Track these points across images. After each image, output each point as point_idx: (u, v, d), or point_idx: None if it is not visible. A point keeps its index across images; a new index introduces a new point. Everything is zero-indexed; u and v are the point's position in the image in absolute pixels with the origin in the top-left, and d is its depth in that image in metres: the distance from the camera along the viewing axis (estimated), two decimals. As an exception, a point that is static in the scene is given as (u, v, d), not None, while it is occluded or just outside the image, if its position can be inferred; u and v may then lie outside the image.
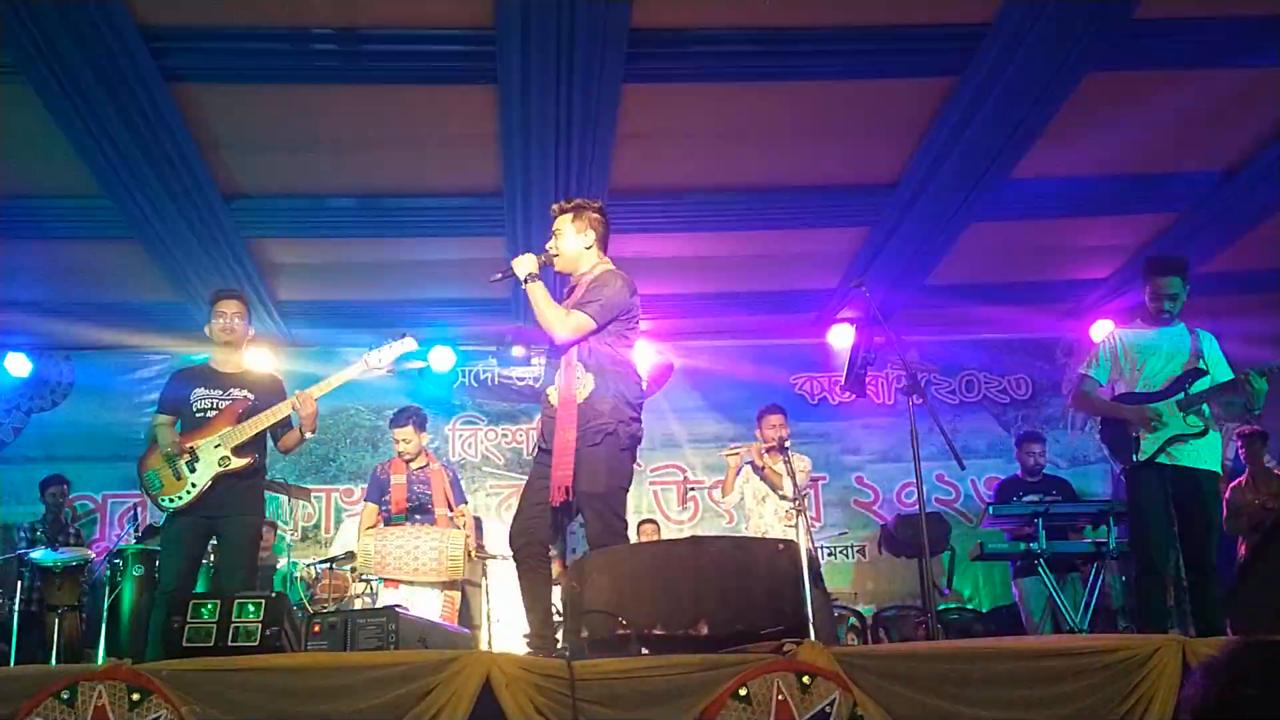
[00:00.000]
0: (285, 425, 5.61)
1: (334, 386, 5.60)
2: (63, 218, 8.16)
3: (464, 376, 10.82)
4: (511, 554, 4.84)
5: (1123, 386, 5.79)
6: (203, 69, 6.47)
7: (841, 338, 10.45)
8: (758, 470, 7.77)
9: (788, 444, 7.55)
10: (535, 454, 5.04)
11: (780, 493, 7.59)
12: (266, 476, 5.86)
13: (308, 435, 5.61)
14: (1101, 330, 5.96)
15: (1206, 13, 6.29)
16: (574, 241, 5.06)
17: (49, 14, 5.71)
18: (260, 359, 5.77)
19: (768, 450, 7.66)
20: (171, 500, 5.37)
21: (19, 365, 10.49)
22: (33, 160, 7.39)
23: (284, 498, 8.30)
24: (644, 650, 3.97)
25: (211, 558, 5.95)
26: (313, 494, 9.18)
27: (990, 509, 7.69)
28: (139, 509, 9.23)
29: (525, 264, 4.94)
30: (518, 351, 10.77)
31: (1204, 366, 5.68)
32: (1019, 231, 8.99)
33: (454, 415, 10.80)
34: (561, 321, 4.83)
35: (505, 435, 10.85)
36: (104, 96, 6.45)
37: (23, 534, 8.71)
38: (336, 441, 10.50)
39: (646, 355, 10.74)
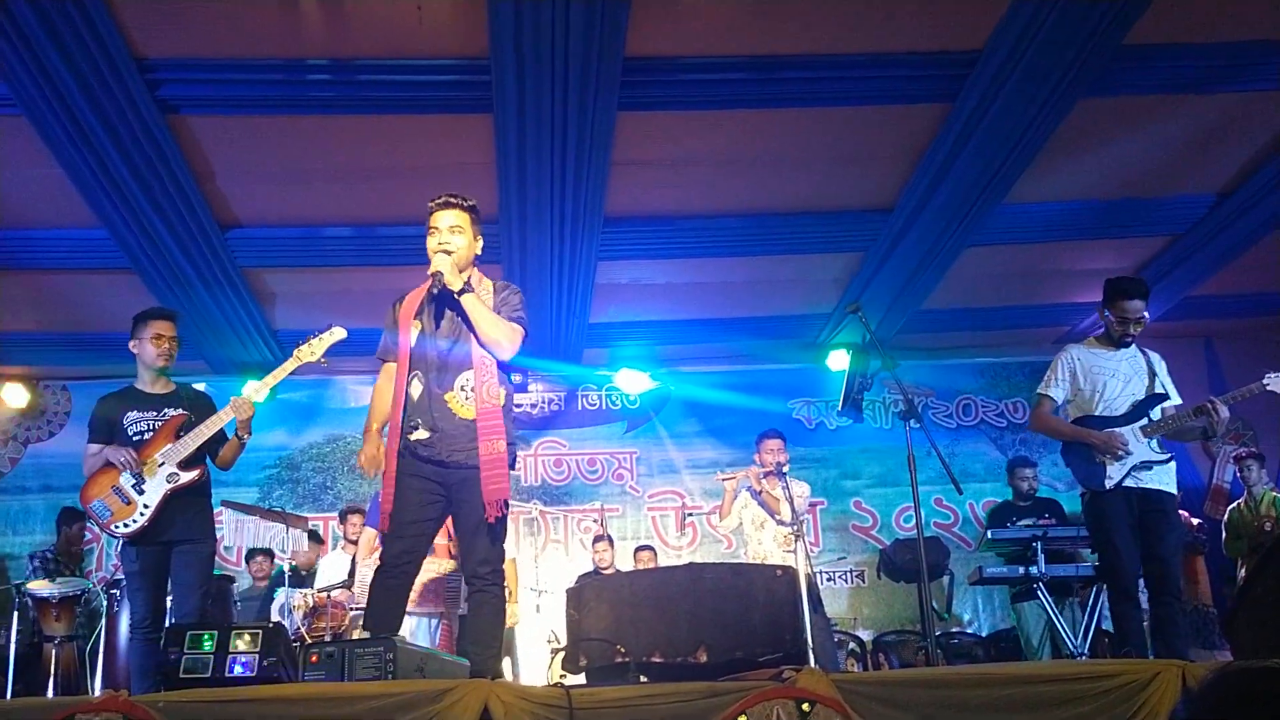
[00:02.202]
0: (221, 439, 5.46)
1: (270, 386, 5.43)
2: (60, 249, 8.19)
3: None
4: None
5: (1076, 409, 5.76)
6: (199, 100, 6.50)
7: (837, 362, 10.47)
8: (755, 495, 7.76)
9: (786, 469, 7.55)
10: (404, 463, 4.47)
11: (778, 518, 7.58)
12: (211, 497, 5.69)
13: (245, 438, 5.46)
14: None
15: (1196, 38, 6.33)
16: (471, 245, 4.64)
17: (45, 46, 5.74)
18: (248, 390, 5.67)
19: (765, 475, 7.65)
20: (126, 524, 5.20)
21: (16, 395, 10.49)
22: (30, 192, 7.42)
23: (283, 527, 8.27)
24: (643, 678, 3.97)
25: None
26: (310, 522, 9.15)
27: (989, 533, 7.68)
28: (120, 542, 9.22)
29: (448, 274, 4.49)
30: (514, 378, 10.77)
31: (1162, 389, 5.68)
32: (1014, 255, 9.02)
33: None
34: (509, 335, 4.51)
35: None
36: (100, 128, 6.48)
37: (35, 563, 8.67)
38: (334, 470, 10.50)
39: (640, 383, 10.80)
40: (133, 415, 5.41)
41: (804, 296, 9.76)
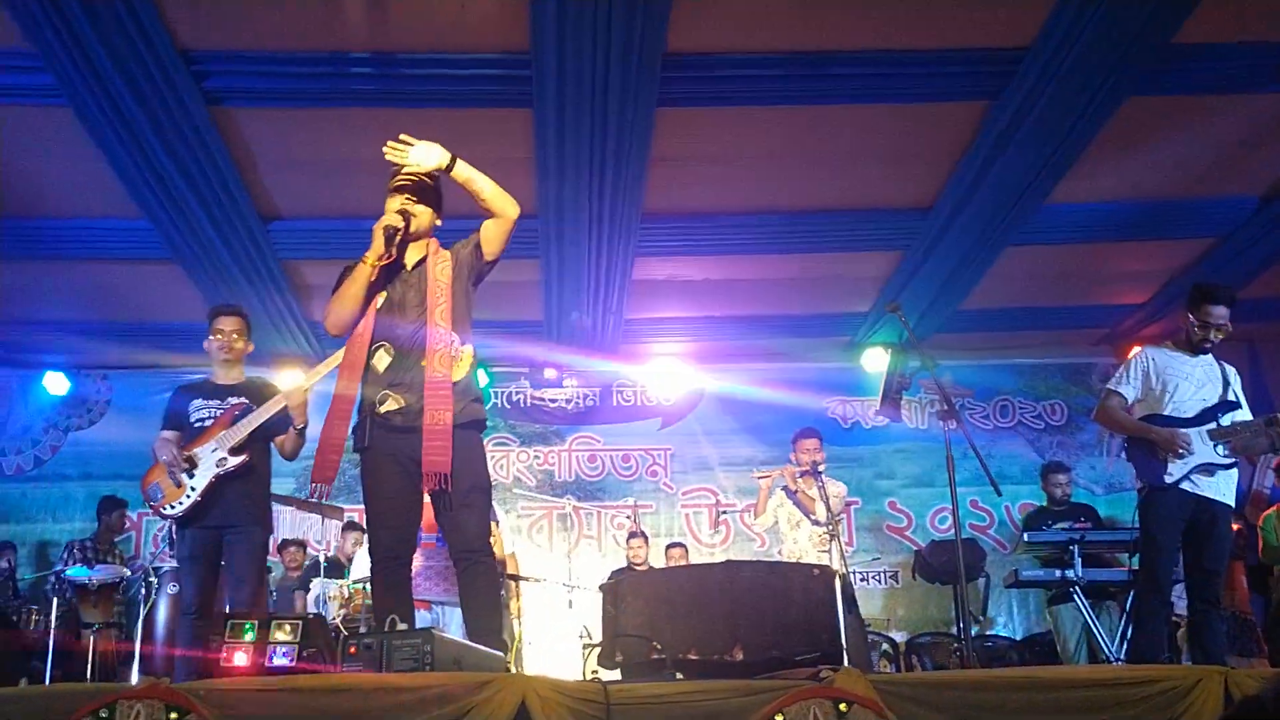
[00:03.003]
0: (282, 429, 5.58)
1: (321, 375, 5.54)
2: (103, 239, 8.27)
3: (496, 398, 10.84)
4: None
5: (1145, 408, 5.71)
6: (242, 92, 6.55)
7: (875, 362, 10.42)
8: (791, 495, 7.73)
9: (822, 468, 7.52)
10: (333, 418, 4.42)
11: (813, 517, 7.55)
12: (270, 487, 5.80)
13: (299, 426, 5.55)
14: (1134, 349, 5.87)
15: (1246, 38, 6.25)
16: (432, 215, 4.52)
17: (90, 38, 5.80)
18: (291, 379, 5.77)
19: (801, 474, 7.62)
20: (173, 506, 5.40)
21: (57, 384, 10.62)
22: (74, 182, 7.51)
23: (318, 518, 8.32)
24: (679, 675, 3.96)
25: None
26: (346, 513, 9.19)
27: (1025, 535, 7.62)
28: (174, 527, 9.29)
29: (431, 153, 4.36)
30: (550, 373, 10.79)
31: (1234, 399, 5.62)
32: (1055, 256, 8.95)
33: (486, 436, 10.82)
34: (511, 199, 4.42)
35: (537, 457, 10.86)
36: (144, 119, 6.54)
37: (72, 552, 8.76)
38: (369, 462, 10.53)
39: (675, 379, 10.79)
40: (197, 404, 5.62)
41: (842, 295, 9.73)
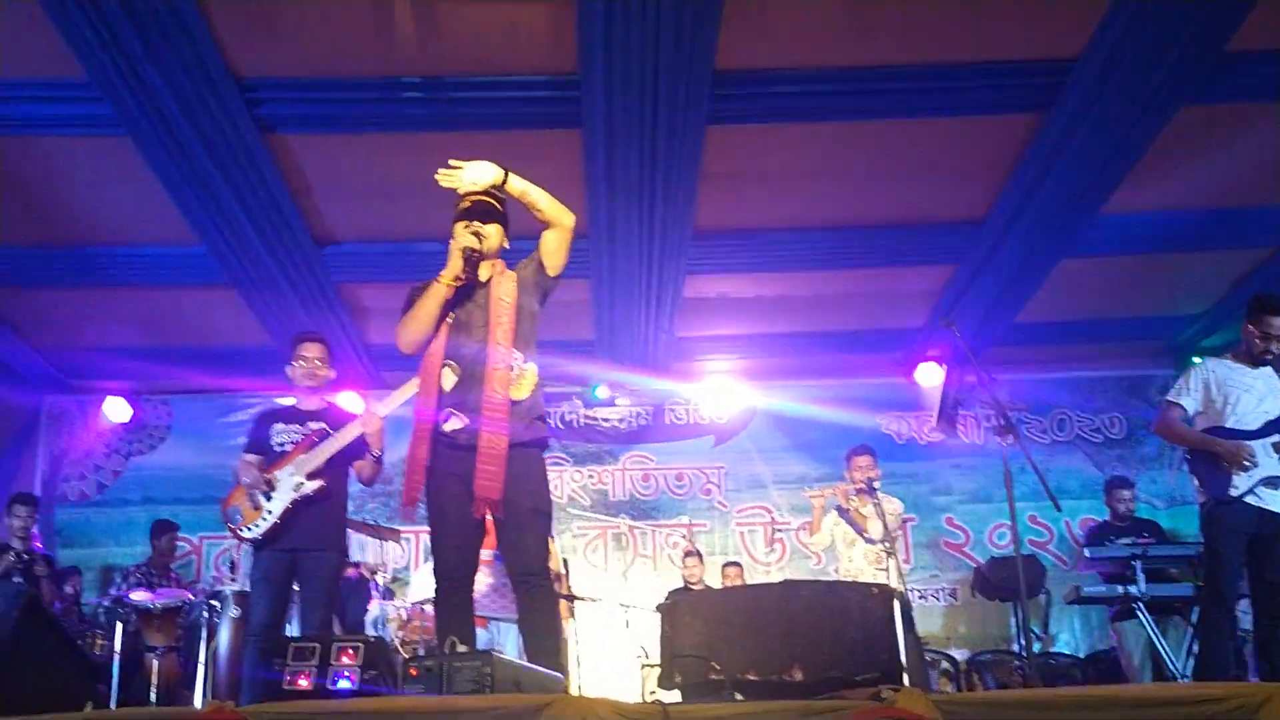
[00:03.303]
0: (359, 454, 5.65)
1: (399, 402, 5.61)
2: (161, 266, 8.41)
3: (549, 418, 10.86)
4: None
5: (1206, 420, 5.63)
6: (296, 119, 6.64)
7: (929, 377, 10.35)
8: (844, 514, 7.68)
9: (877, 485, 7.46)
10: (414, 439, 4.42)
11: (867, 535, 7.49)
12: (346, 512, 5.90)
13: (376, 453, 5.63)
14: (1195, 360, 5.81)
15: (1302, 43, 6.16)
16: (502, 239, 4.57)
17: (146, 68, 5.90)
18: (349, 402, 5.87)
19: (856, 492, 7.57)
20: (250, 529, 5.50)
21: (119, 410, 10.77)
22: (132, 210, 7.64)
23: (375, 540, 8.38)
24: (738, 695, 3.93)
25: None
26: (402, 535, 9.25)
27: (1086, 551, 7.51)
28: (235, 551, 9.40)
29: (485, 171, 4.43)
30: (603, 393, 10.81)
31: None
32: (1111, 267, 8.85)
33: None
34: (566, 210, 4.49)
35: (591, 476, 10.86)
36: (200, 147, 6.64)
37: (129, 577, 8.88)
38: (426, 484, 10.60)
39: (728, 397, 10.77)
40: (279, 428, 5.75)
41: (895, 310, 9.66)
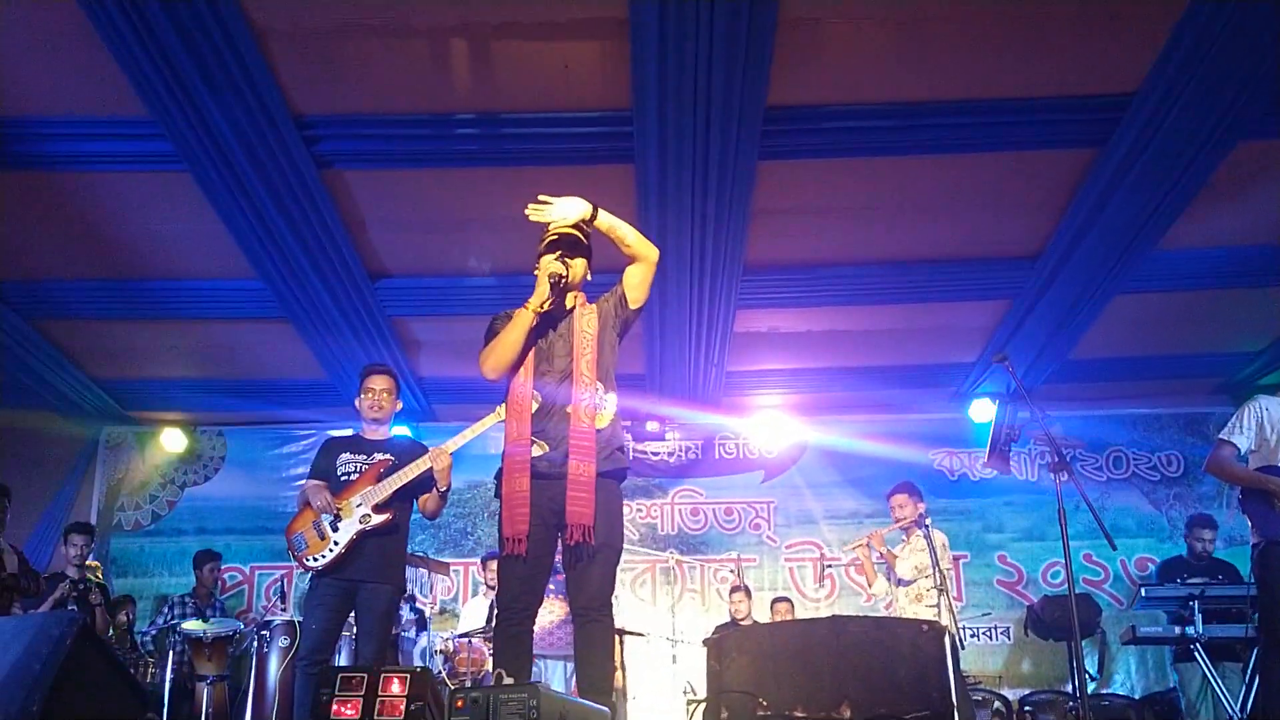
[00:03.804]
0: (425, 488, 5.70)
1: (468, 439, 5.65)
2: (218, 299, 8.54)
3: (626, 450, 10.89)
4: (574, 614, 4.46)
5: (1259, 459, 5.53)
6: (352, 155, 6.72)
7: (982, 412, 10.26)
8: (879, 560, 7.70)
9: (928, 521, 7.43)
10: (513, 472, 4.44)
11: (895, 575, 7.51)
12: (408, 545, 5.94)
13: (444, 489, 5.67)
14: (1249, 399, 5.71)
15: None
16: (586, 271, 4.68)
17: (208, 106, 6.01)
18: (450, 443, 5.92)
19: (904, 530, 7.61)
20: (315, 559, 5.53)
21: (175, 441, 10.93)
22: (191, 245, 7.77)
23: (424, 571, 8.42)
24: (785, 732, 3.91)
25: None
26: (451, 568, 9.29)
27: (1143, 590, 7.39)
28: (285, 580, 9.48)
29: (575, 206, 4.50)
30: (652, 426, 10.81)
31: None
32: (1168, 303, 8.75)
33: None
34: (651, 245, 4.58)
35: (640, 510, 10.84)
36: (259, 183, 6.74)
37: (174, 607, 9.00)
38: (475, 516, 10.66)
39: (778, 432, 10.73)
40: (345, 457, 5.81)
41: (947, 345, 9.60)
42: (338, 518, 5.55)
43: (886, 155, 6.80)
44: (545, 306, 4.45)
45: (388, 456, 5.74)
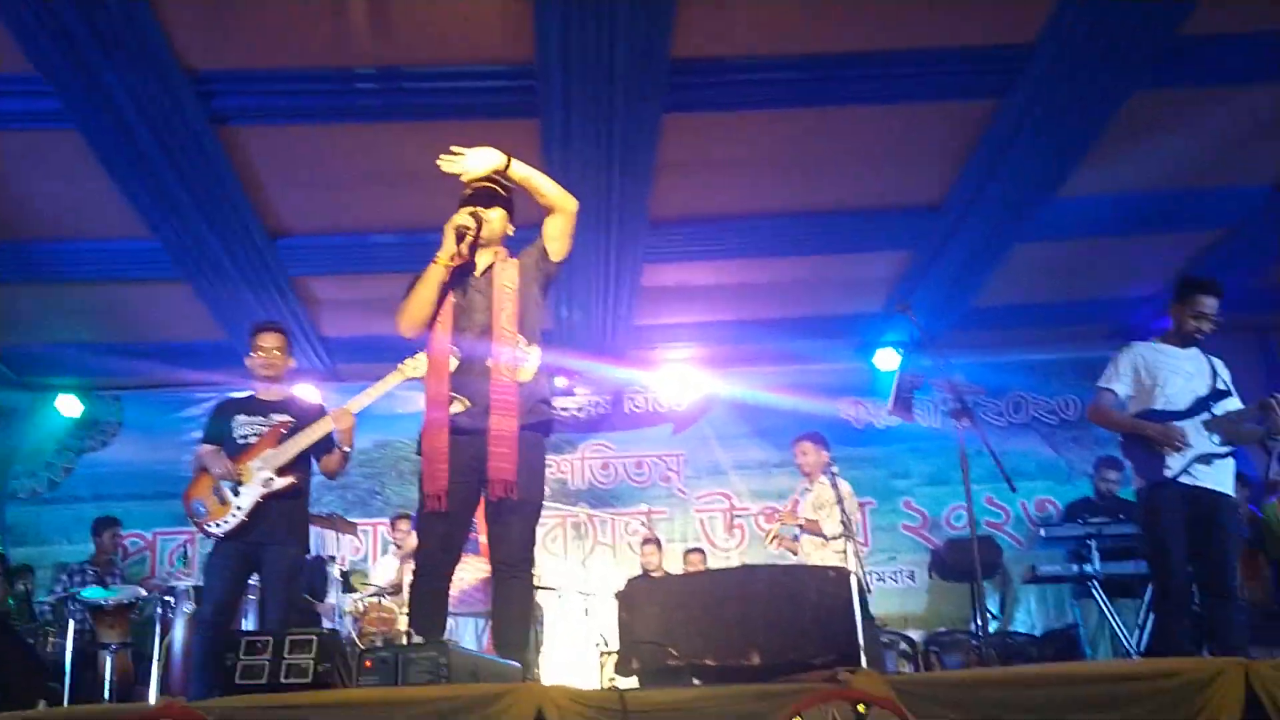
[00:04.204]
0: (327, 448, 5.62)
1: (373, 398, 5.59)
2: (113, 260, 8.31)
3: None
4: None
5: (1138, 404, 5.67)
6: (248, 111, 6.58)
7: (886, 362, 10.40)
8: (804, 530, 7.74)
9: (835, 470, 7.50)
10: (431, 429, 4.36)
11: (826, 534, 7.54)
12: (309, 505, 5.84)
13: (346, 450, 5.60)
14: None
15: (1253, 27, 6.21)
16: (505, 224, 4.57)
17: (97, 61, 5.82)
18: (305, 393, 5.78)
19: (809, 483, 7.66)
20: (218, 524, 5.40)
21: (70, 406, 10.65)
22: (83, 205, 7.53)
23: (331, 532, 8.33)
24: (696, 681, 3.94)
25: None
26: (359, 528, 9.20)
27: (1043, 530, 7.58)
28: (188, 545, 9.32)
29: (487, 157, 4.42)
30: (560, 381, 10.78)
31: (1224, 387, 5.59)
32: (1066, 251, 8.92)
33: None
34: (569, 195, 4.49)
35: (550, 465, 10.79)
36: (152, 141, 6.56)
37: (74, 575, 8.80)
38: (383, 475, 10.57)
39: (686, 385, 10.78)
40: (241, 419, 5.63)
41: (852, 296, 9.70)
42: (239, 482, 5.42)
43: (791, 108, 6.81)
44: (455, 261, 4.38)
45: (287, 418, 5.61)
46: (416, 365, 5.36)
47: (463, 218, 4.39)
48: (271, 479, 5.42)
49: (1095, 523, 7.40)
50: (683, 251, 8.62)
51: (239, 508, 5.39)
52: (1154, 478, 5.44)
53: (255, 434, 5.58)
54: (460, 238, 4.37)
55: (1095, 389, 5.83)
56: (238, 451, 5.52)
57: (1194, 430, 5.44)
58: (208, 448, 5.60)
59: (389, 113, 6.64)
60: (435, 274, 4.38)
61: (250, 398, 5.81)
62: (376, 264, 8.47)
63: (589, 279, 8.60)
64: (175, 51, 5.91)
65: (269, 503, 5.44)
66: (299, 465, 5.55)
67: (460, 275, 4.47)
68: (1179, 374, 5.58)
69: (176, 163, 6.80)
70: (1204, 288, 5.65)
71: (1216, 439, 5.45)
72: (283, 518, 5.50)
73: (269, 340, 5.75)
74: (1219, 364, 5.71)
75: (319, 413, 5.71)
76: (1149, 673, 3.78)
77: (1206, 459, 5.40)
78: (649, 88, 6.25)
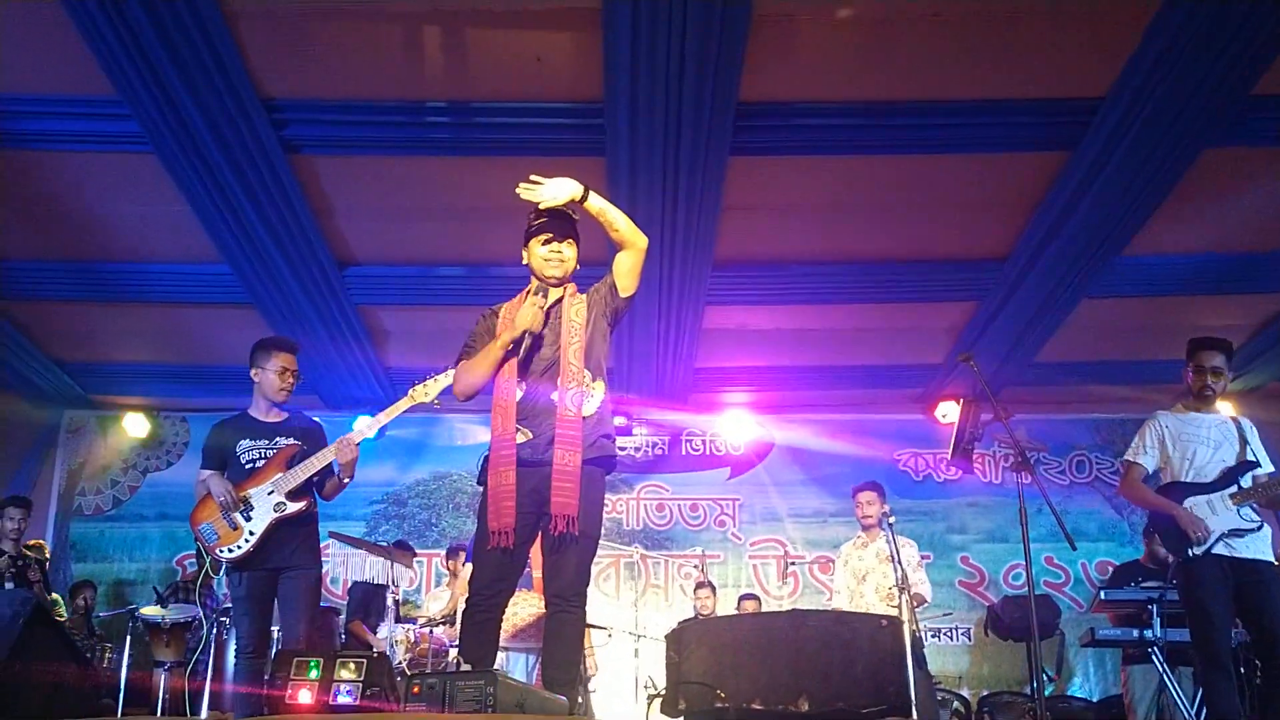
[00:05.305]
0: (328, 473, 5.54)
1: (381, 424, 5.54)
2: (183, 283, 8.47)
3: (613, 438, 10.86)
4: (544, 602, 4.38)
5: (1168, 476, 5.58)
6: (321, 140, 6.68)
7: (947, 413, 10.31)
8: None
9: (892, 520, 7.41)
10: (499, 466, 4.31)
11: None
12: (319, 524, 5.72)
13: (346, 481, 5.55)
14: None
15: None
16: (576, 255, 4.55)
17: (177, 87, 5.96)
18: (364, 425, 5.72)
19: (864, 529, 7.57)
20: (231, 549, 5.31)
21: (137, 425, 10.84)
22: (157, 228, 7.70)
23: (386, 562, 8.37)
24: (742, 725, 3.90)
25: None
26: (415, 559, 9.24)
27: (1102, 593, 7.43)
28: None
29: (565, 186, 4.36)
30: (619, 421, 10.79)
31: (1253, 457, 5.48)
32: (1133, 308, 8.81)
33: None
34: (640, 232, 4.44)
35: (605, 505, 10.80)
36: (226, 166, 6.69)
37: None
38: (439, 507, 10.64)
39: (745, 429, 10.74)
40: (245, 444, 5.52)
41: (914, 345, 9.64)
42: (249, 506, 5.35)
43: (858, 154, 6.82)
44: (510, 346, 4.37)
45: (293, 442, 5.53)
46: (426, 391, 5.36)
47: (535, 319, 4.34)
48: (284, 503, 5.35)
49: (1153, 586, 7.24)
50: (745, 294, 8.61)
51: (252, 532, 5.31)
52: (1182, 556, 5.37)
53: (262, 457, 5.49)
54: (519, 340, 4.34)
55: (1123, 464, 5.76)
56: (245, 476, 5.42)
57: (1221, 504, 5.35)
58: (209, 473, 5.49)
59: (458, 147, 6.72)
60: (496, 354, 4.37)
61: (249, 419, 5.68)
62: (441, 296, 8.55)
63: (651, 319, 8.61)
64: (253, 79, 6.04)
65: (280, 527, 5.35)
66: (309, 488, 5.48)
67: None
68: (1206, 444, 5.50)
69: (249, 189, 6.92)
70: (1204, 344, 5.67)
71: (1246, 512, 5.35)
72: (297, 541, 5.43)
73: (293, 362, 5.67)
74: (1248, 426, 5.63)
75: (319, 431, 5.66)
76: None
77: (1238, 533, 5.30)
78: (715, 130, 6.27)
